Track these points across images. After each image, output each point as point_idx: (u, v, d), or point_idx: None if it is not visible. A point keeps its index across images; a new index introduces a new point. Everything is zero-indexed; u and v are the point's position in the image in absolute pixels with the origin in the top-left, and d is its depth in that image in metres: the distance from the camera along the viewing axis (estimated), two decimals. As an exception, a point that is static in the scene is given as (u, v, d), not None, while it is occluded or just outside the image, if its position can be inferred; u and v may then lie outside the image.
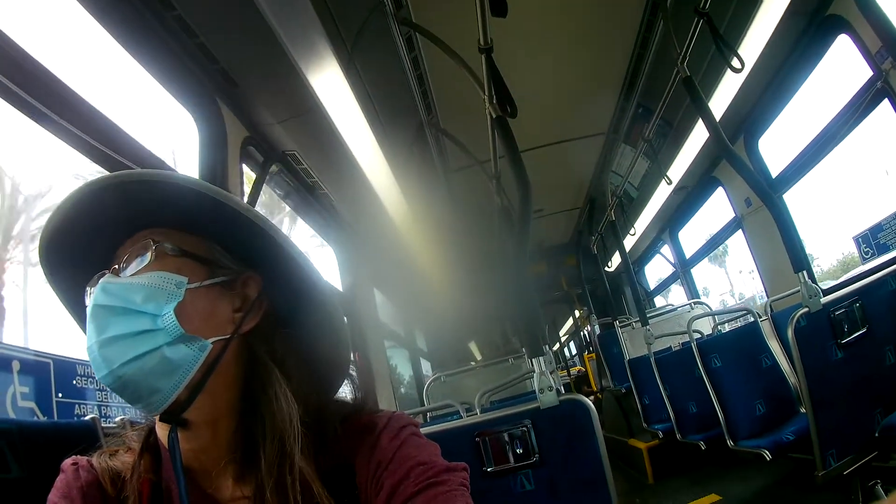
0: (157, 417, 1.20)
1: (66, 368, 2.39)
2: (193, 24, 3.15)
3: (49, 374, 2.32)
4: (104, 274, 1.19)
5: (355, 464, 1.22)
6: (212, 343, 1.17)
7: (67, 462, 1.23)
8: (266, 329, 1.28)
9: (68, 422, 1.57)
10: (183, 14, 3.07)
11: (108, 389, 1.14)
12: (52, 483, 1.20)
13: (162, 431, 1.21)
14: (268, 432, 1.16)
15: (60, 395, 2.35)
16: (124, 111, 2.84)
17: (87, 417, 1.61)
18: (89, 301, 1.17)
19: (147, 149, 2.97)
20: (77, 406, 2.42)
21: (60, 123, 2.41)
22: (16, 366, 2.16)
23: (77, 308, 1.30)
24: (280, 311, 1.33)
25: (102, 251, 1.24)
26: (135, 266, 1.18)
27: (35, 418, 2.18)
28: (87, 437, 1.37)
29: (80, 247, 1.23)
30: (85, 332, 1.24)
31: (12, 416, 2.08)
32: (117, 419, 1.54)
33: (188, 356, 1.14)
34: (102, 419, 1.63)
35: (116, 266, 1.20)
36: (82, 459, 1.24)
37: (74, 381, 2.44)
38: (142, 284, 1.14)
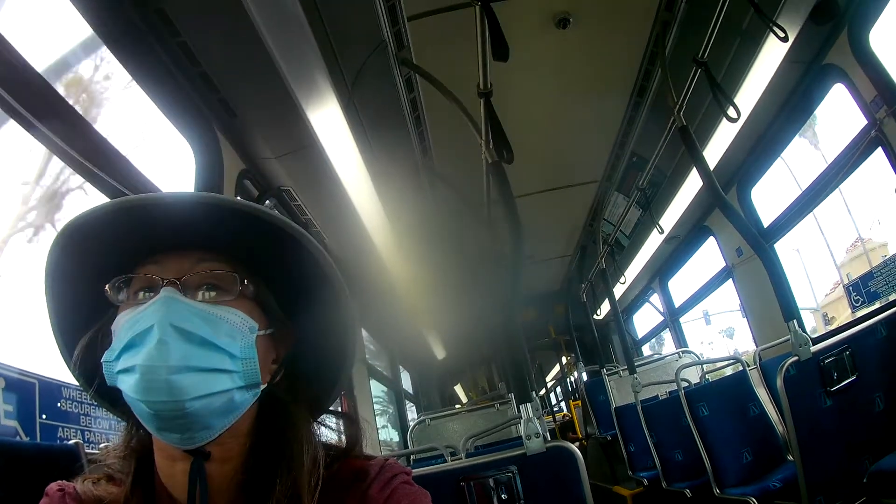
0: (161, 446, 1.17)
1: (51, 390, 2.37)
2: (196, 51, 3.18)
3: (34, 395, 2.30)
4: (172, 283, 1.12)
5: None
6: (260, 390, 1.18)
7: (53, 487, 1.20)
8: (288, 379, 1.28)
9: (51, 444, 1.57)
10: (188, 41, 3.10)
11: (139, 414, 1.08)
12: None
13: (165, 464, 1.18)
14: (284, 470, 1.15)
15: (44, 416, 2.32)
16: (121, 133, 2.84)
17: (70, 441, 1.59)
18: (146, 309, 1.08)
19: (143, 174, 2.98)
20: (61, 429, 2.41)
21: (56, 142, 2.42)
22: (0, 383, 2.15)
23: (63, 321, 1.23)
24: (303, 358, 1.32)
25: (127, 255, 1.18)
26: (214, 295, 1.15)
27: (17, 438, 2.17)
28: (70, 461, 1.36)
29: (97, 250, 1.15)
30: (65, 352, 1.23)
31: (-7, 434, 2.07)
32: (101, 445, 1.53)
33: (246, 401, 1.15)
34: (85, 444, 1.62)
35: (176, 281, 1.13)
36: (69, 485, 1.20)
37: (59, 404, 2.42)
38: (227, 320, 1.12)
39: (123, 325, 1.09)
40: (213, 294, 1.15)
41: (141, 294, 1.14)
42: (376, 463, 1.27)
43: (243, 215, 1.12)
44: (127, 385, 1.05)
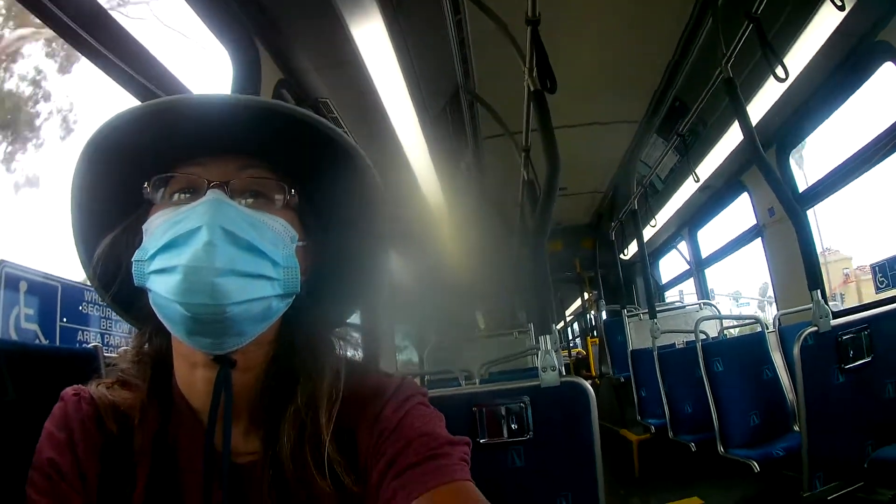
0: (182, 352, 1.17)
1: (73, 294, 2.38)
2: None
3: (56, 298, 2.31)
4: (219, 187, 1.11)
5: (359, 428, 1.20)
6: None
7: (69, 391, 1.20)
8: (311, 290, 1.26)
9: (70, 348, 1.57)
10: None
11: (178, 317, 1.05)
12: (48, 408, 1.17)
13: (186, 372, 1.18)
14: (301, 381, 1.17)
15: (65, 319, 2.34)
16: (158, 39, 2.82)
17: (90, 345, 1.59)
18: (198, 214, 1.06)
19: (177, 78, 2.96)
20: (80, 332, 2.42)
21: (90, 43, 2.41)
22: (23, 286, 2.16)
23: (89, 228, 1.20)
24: (329, 268, 1.30)
25: (164, 157, 1.16)
26: (260, 202, 1.15)
27: (37, 341, 2.18)
28: (88, 365, 1.36)
29: (132, 153, 1.13)
30: (84, 255, 1.22)
31: (14, 336, 2.07)
32: (119, 349, 1.53)
33: (280, 309, 1.14)
34: (105, 347, 1.62)
35: (221, 184, 1.11)
36: (84, 390, 1.20)
37: (80, 308, 2.44)
38: (272, 227, 1.12)
39: (162, 224, 1.08)
40: (259, 201, 1.15)
41: (177, 196, 1.13)
42: (393, 382, 1.27)
43: (284, 118, 1.11)
44: (164, 286, 1.04)
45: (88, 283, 2.39)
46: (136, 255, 1.08)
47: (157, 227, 1.08)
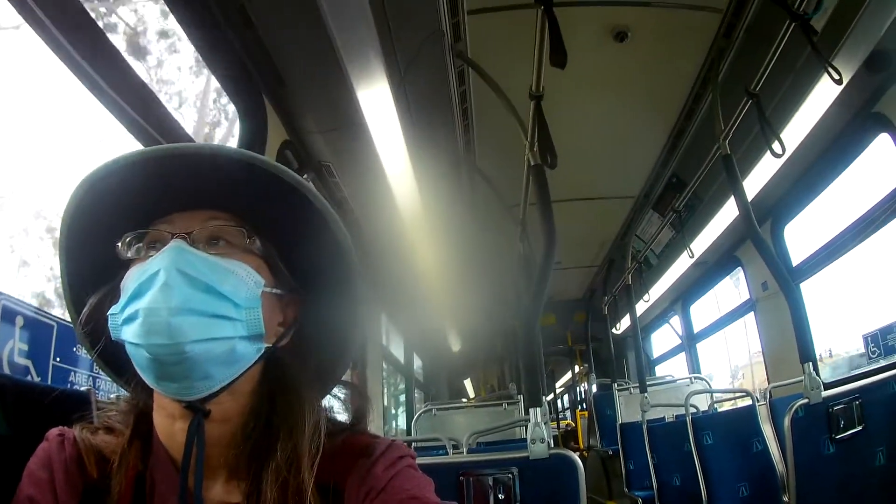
0: (161, 403, 1.18)
1: (68, 334, 2.39)
2: (253, 15, 3.20)
3: (51, 337, 2.33)
4: (178, 236, 1.12)
5: (346, 485, 1.20)
6: (264, 348, 1.18)
7: (54, 432, 1.21)
8: (295, 343, 1.28)
9: (63, 389, 1.57)
10: (244, 4, 3.12)
11: (144, 361, 1.08)
12: (37, 446, 1.19)
13: (163, 420, 1.19)
14: (283, 435, 1.16)
15: (58, 359, 2.35)
16: (170, 91, 2.87)
17: (82, 388, 1.61)
18: (153, 259, 1.09)
19: (186, 132, 3.01)
20: (73, 373, 2.43)
21: (106, 91, 2.45)
22: (19, 321, 2.17)
23: (76, 274, 1.24)
24: (310, 322, 1.32)
25: (135, 216, 1.18)
26: (219, 248, 1.17)
27: (29, 377, 2.19)
28: (80, 407, 1.36)
29: (114, 207, 1.16)
30: (71, 305, 1.26)
31: (7, 370, 2.09)
32: (112, 396, 1.53)
33: (248, 354, 1.15)
34: (96, 391, 1.64)
35: (185, 235, 1.13)
36: (69, 432, 1.21)
37: (74, 349, 2.45)
38: (231, 270, 1.13)
39: (132, 277, 1.11)
40: (222, 247, 1.17)
41: (146, 252, 1.15)
42: (383, 441, 1.27)
43: (263, 174, 1.14)
44: (129, 332, 1.06)
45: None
46: (111, 310, 1.11)
47: (129, 279, 1.11)
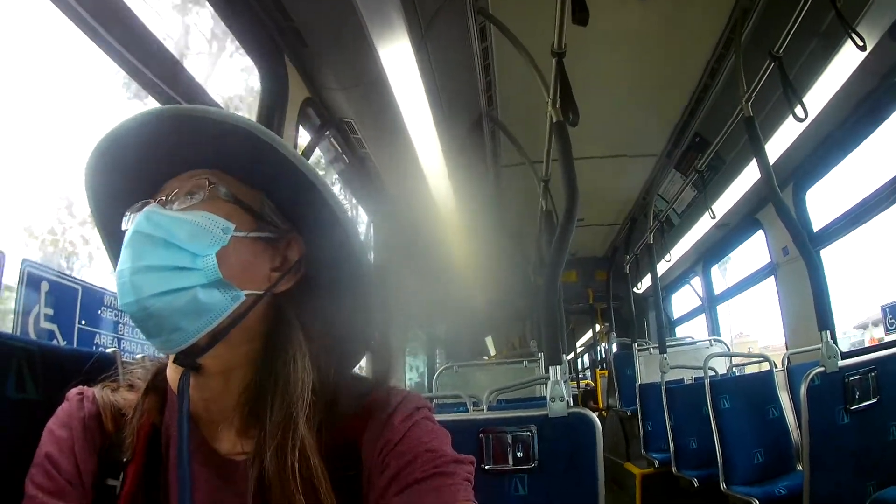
0: (170, 358, 1.20)
1: (93, 297, 2.41)
2: (272, -25, 3.19)
3: (76, 300, 2.34)
4: (148, 202, 1.18)
5: (362, 439, 1.21)
6: (245, 295, 1.17)
7: (73, 392, 1.25)
8: (298, 293, 1.28)
9: (90, 351, 1.58)
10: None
11: (130, 319, 1.15)
12: None
13: (172, 374, 1.22)
14: (278, 393, 1.15)
15: (83, 322, 2.37)
16: (190, 52, 2.86)
17: (108, 350, 1.62)
18: (129, 226, 1.16)
19: (208, 93, 3.00)
20: (98, 336, 2.45)
21: (121, 51, 2.45)
22: (44, 286, 2.19)
23: (111, 237, 1.30)
24: (314, 275, 1.31)
25: (147, 183, 1.24)
26: (183, 202, 1.18)
27: (55, 341, 2.20)
28: (106, 369, 1.38)
29: (126, 175, 1.23)
30: (113, 262, 1.29)
31: (33, 335, 2.10)
32: (137, 356, 1.55)
33: (219, 303, 1.14)
34: (122, 352, 1.65)
35: (163, 198, 1.19)
36: (88, 391, 1.25)
37: (99, 311, 2.46)
38: (189, 221, 1.14)
39: None
40: (191, 200, 1.18)
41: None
42: (399, 393, 1.27)
43: (248, 134, 1.15)
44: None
45: (107, 287, 2.41)
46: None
47: None
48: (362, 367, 1.43)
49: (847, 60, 4.19)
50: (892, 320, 4.79)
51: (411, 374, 11.31)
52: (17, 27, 2.43)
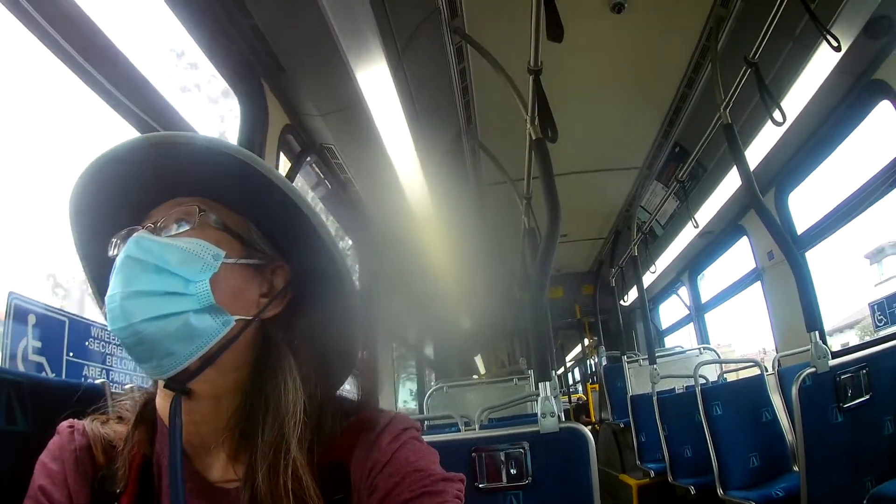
0: (160, 385, 1.20)
1: (79, 329, 2.41)
2: (248, 3, 3.20)
3: (63, 332, 2.34)
4: (136, 229, 1.18)
5: (351, 461, 1.21)
6: (235, 320, 1.17)
7: (64, 425, 1.25)
8: (286, 317, 1.28)
9: (78, 382, 1.59)
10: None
11: (121, 346, 1.14)
12: None
13: (162, 402, 1.21)
14: (270, 414, 1.16)
15: (71, 354, 2.37)
16: (168, 81, 2.87)
17: (97, 381, 1.62)
18: (118, 252, 1.16)
19: (186, 121, 3.01)
20: (86, 367, 2.45)
21: (100, 80, 2.46)
22: (31, 319, 2.19)
23: (93, 267, 1.30)
24: (301, 299, 1.32)
25: (132, 211, 1.24)
26: (174, 229, 1.18)
27: (43, 373, 2.20)
28: (95, 401, 1.38)
29: (112, 203, 1.23)
30: (96, 292, 1.31)
31: (21, 367, 2.10)
32: (126, 386, 1.55)
33: (210, 328, 1.14)
34: (111, 384, 1.65)
35: (151, 225, 1.19)
36: (79, 424, 1.25)
37: (87, 343, 2.46)
38: (179, 247, 1.14)
39: None
40: (181, 228, 1.19)
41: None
42: (386, 415, 1.28)
43: (235, 160, 1.15)
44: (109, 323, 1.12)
45: (94, 318, 2.41)
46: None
47: None
48: (346, 388, 1.42)
49: (823, 62, 4.24)
50: (881, 317, 4.81)
51: (405, 397, 11.30)
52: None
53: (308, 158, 4.52)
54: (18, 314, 2.14)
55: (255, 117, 3.61)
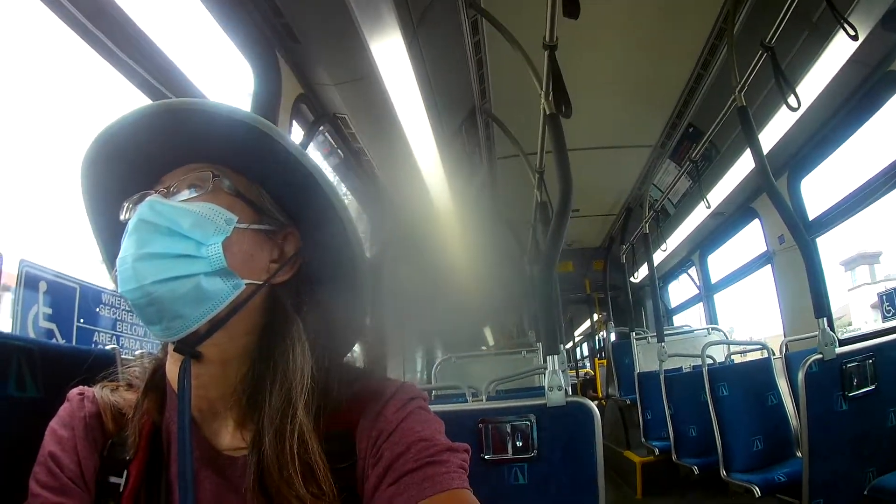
0: (170, 350, 1.21)
1: (90, 295, 2.43)
2: (262, -26, 3.19)
3: (74, 299, 2.36)
4: (149, 193, 1.20)
5: (357, 429, 1.21)
6: (245, 284, 1.19)
7: (74, 392, 1.27)
8: (295, 283, 1.30)
9: (89, 349, 1.60)
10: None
11: (131, 308, 1.15)
12: None
13: (171, 368, 1.22)
14: (277, 379, 1.17)
15: (82, 320, 2.38)
16: (181, 49, 2.87)
17: (107, 347, 1.63)
18: (130, 215, 1.17)
19: (199, 89, 3.01)
20: (97, 334, 2.47)
21: (112, 49, 2.46)
22: (42, 286, 2.20)
23: (105, 232, 1.31)
24: (311, 265, 1.33)
25: (144, 177, 1.25)
26: (186, 194, 1.20)
27: (54, 340, 2.22)
28: (105, 367, 1.39)
29: (123, 169, 1.24)
30: (106, 259, 1.32)
31: (32, 334, 2.12)
32: (136, 352, 1.56)
33: (220, 291, 1.15)
34: (121, 350, 1.66)
35: (163, 190, 1.21)
36: (89, 391, 1.27)
37: (97, 310, 2.47)
38: (193, 211, 1.16)
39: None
40: (194, 192, 1.20)
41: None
42: (393, 384, 1.28)
43: (249, 127, 1.16)
44: (119, 285, 1.13)
45: (105, 284, 2.42)
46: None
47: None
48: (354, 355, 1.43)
49: (839, 50, 4.21)
50: (889, 307, 4.80)
51: (413, 368, 11.31)
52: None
53: (321, 128, 4.51)
54: (29, 281, 2.15)
55: (269, 87, 3.60)
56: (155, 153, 1.23)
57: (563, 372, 2.80)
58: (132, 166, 1.23)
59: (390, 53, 3.71)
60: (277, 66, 3.64)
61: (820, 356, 3.29)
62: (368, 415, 1.22)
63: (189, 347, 1.16)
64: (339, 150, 5.05)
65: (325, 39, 3.73)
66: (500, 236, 9.33)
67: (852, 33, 3.68)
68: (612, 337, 11.80)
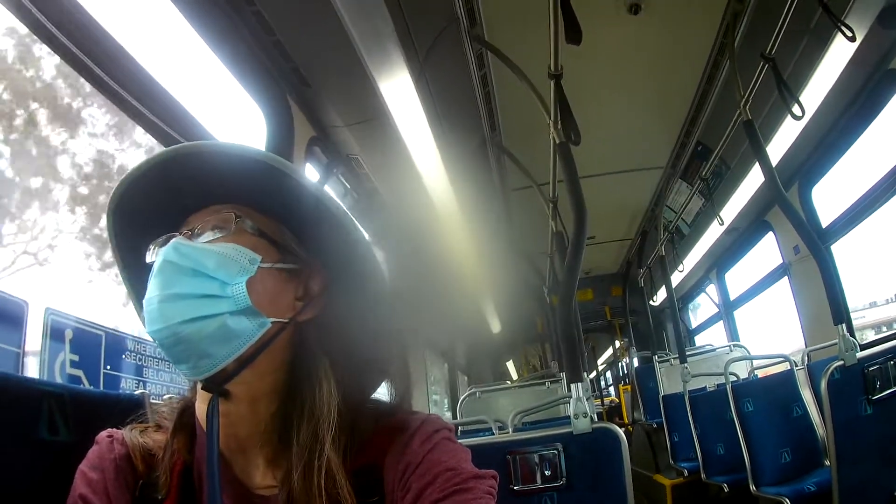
0: (198, 390, 1.24)
1: (116, 342, 2.46)
2: (271, 20, 3.24)
3: (100, 346, 2.39)
4: (174, 235, 1.21)
5: (384, 464, 1.22)
6: (271, 322, 1.20)
7: (103, 434, 1.28)
8: (321, 320, 1.30)
9: (118, 393, 1.62)
10: (261, 10, 3.15)
11: (159, 348, 1.18)
12: None
13: (200, 407, 1.24)
14: (304, 416, 1.18)
15: (108, 367, 2.42)
16: (194, 97, 2.91)
17: (136, 392, 1.66)
18: (156, 258, 1.19)
19: (213, 136, 3.05)
20: (123, 380, 2.50)
21: (125, 98, 2.50)
22: (69, 334, 2.24)
23: (134, 279, 1.33)
24: (336, 302, 1.33)
25: (169, 220, 1.27)
26: (210, 235, 1.22)
27: (81, 386, 2.25)
28: (134, 410, 1.41)
29: (148, 214, 1.26)
30: (136, 304, 1.33)
31: (59, 380, 2.15)
32: (164, 397, 1.59)
33: (247, 330, 1.17)
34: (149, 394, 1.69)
35: (188, 231, 1.23)
36: (118, 433, 1.28)
37: (123, 356, 2.51)
38: (217, 251, 1.18)
39: None
40: (217, 234, 1.22)
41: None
42: (418, 417, 1.29)
43: (263, 165, 1.19)
44: (146, 326, 1.17)
45: (130, 332, 2.46)
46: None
47: None
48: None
49: (839, 54, 4.21)
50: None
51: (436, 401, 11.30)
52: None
53: (335, 170, 4.55)
54: (55, 330, 2.19)
55: (282, 130, 3.64)
56: (176, 197, 1.26)
57: (587, 399, 2.81)
58: (158, 209, 1.27)
59: (399, 92, 3.74)
60: (289, 110, 3.68)
61: (841, 362, 3.29)
62: (395, 449, 1.23)
63: (217, 386, 1.18)
64: (353, 191, 5.08)
65: (334, 81, 3.77)
66: (518, 267, 9.35)
67: (850, 35, 3.70)
68: (635, 362, 11.76)
